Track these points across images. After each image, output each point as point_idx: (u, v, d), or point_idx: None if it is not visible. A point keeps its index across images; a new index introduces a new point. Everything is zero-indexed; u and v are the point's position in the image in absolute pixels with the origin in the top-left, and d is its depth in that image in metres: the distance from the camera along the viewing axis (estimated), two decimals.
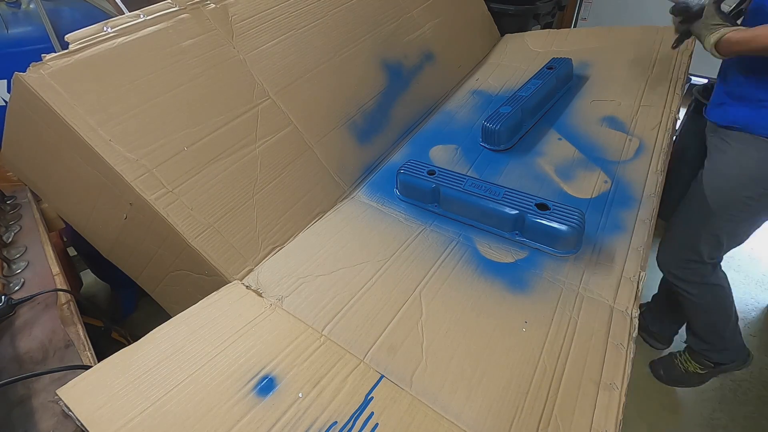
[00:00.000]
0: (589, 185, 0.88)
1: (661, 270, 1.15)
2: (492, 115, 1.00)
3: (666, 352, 1.37)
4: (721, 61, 0.93)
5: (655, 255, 1.12)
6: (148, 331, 0.59)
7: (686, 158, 1.15)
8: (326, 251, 0.76)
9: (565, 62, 1.17)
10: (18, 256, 0.78)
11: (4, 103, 1.08)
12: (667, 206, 1.12)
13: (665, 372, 1.31)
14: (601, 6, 2.40)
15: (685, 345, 1.30)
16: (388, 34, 1.11)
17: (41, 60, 0.64)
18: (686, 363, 1.27)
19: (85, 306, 0.93)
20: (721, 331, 1.16)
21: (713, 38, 0.83)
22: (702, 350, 1.22)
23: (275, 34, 0.90)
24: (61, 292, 0.70)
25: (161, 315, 0.71)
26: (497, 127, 0.97)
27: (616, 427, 0.50)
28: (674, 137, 1.01)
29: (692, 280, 1.08)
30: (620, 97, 1.10)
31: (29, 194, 0.94)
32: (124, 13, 1.01)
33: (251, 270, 0.72)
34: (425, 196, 0.85)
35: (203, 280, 0.72)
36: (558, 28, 2.07)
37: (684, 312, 1.20)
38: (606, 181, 0.88)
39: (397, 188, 0.90)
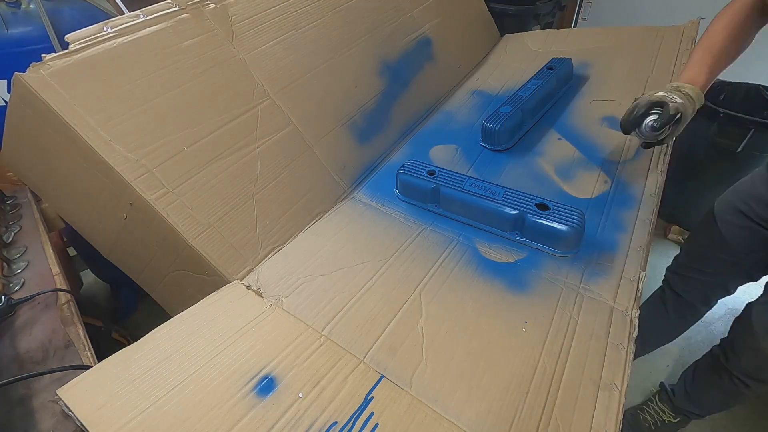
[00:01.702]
0: (589, 185, 0.88)
1: (751, 379, 0.90)
2: (492, 115, 1.00)
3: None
4: None
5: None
6: (148, 331, 0.59)
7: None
8: (326, 251, 0.76)
9: (565, 62, 1.17)
10: (18, 256, 0.78)
11: (4, 103, 1.08)
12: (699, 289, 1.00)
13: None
14: (601, 6, 2.39)
15: (656, 392, 1.20)
16: (388, 34, 1.11)
17: (41, 60, 0.64)
18: (660, 413, 1.14)
19: (85, 306, 0.93)
20: None
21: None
22: (686, 409, 1.11)
23: (275, 34, 0.90)
24: (61, 292, 0.70)
25: (161, 315, 0.71)
26: (497, 127, 0.97)
27: (616, 427, 0.50)
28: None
29: None
30: (620, 97, 1.10)
31: (29, 194, 0.94)
32: (124, 13, 1.01)
33: (251, 270, 0.72)
34: (425, 196, 0.85)
35: (203, 280, 0.72)
36: (558, 28, 2.07)
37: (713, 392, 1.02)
38: (606, 181, 0.88)
39: (397, 188, 0.90)
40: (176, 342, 0.58)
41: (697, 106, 0.76)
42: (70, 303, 0.69)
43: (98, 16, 1.21)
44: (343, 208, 0.87)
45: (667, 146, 0.92)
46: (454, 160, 0.99)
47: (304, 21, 0.95)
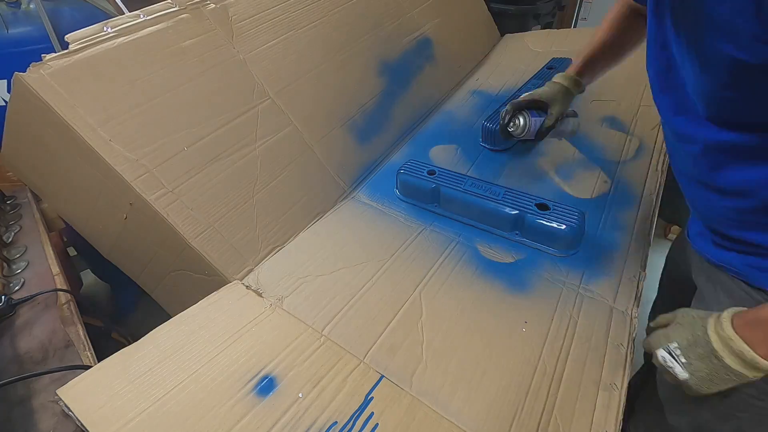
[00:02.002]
0: (589, 185, 0.88)
1: None
2: (492, 115, 1.00)
3: None
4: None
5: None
6: (148, 331, 0.59)
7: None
8: (326, 251, 0.76)
9: (565, 62, 1.17)
10: (18, 256, 0.78)
11: (4, 103, 1.08)
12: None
13: None
14: (601, 6, 2.40)
15: None
16: (388, 34, 1.11)
17: (41, 60, 0.64)
18: None
19: (85, 306, 0.93)
20: None
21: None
22: None
23: (275, 34, 0.90)
24: (61, 292, 0.70)
25: (161, 315, 0.71)
26: (497, 127, 0.97)
27: (616, 427, 0.50)
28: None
29: None
30: (620, 97, 1.10)
31: (29, 194, 0.94)
32: (124, 13, 1.01)
33: (251, 270, 0.72)
34: (425, 196, 0.85)
35: (203, 280, 0.72)
36: (558, 28, 2.07)
37: None
38: (606, 181, 0.88)
39: (397, 188, 0.90)
40: (176, 342, 0.58)
41: (570, 88, 0.81)
42: (70, 303, 0.69)
43: (98, 16, 1.21)
44: (343, 208, 0.87)
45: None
46: (454, 160, 0.99)
47: (304, 21, 0.95)
